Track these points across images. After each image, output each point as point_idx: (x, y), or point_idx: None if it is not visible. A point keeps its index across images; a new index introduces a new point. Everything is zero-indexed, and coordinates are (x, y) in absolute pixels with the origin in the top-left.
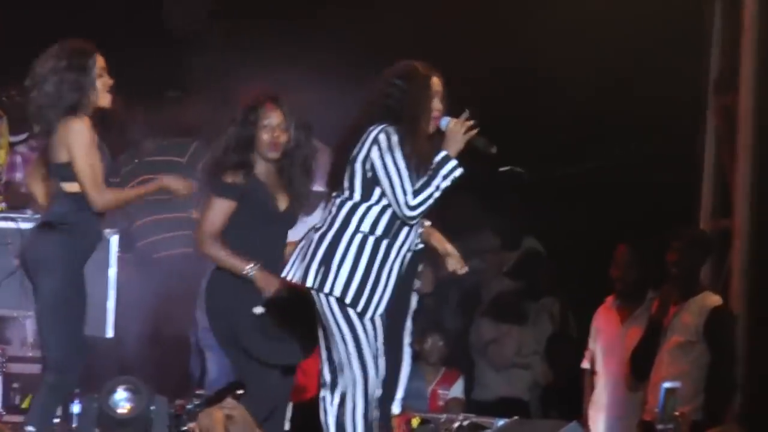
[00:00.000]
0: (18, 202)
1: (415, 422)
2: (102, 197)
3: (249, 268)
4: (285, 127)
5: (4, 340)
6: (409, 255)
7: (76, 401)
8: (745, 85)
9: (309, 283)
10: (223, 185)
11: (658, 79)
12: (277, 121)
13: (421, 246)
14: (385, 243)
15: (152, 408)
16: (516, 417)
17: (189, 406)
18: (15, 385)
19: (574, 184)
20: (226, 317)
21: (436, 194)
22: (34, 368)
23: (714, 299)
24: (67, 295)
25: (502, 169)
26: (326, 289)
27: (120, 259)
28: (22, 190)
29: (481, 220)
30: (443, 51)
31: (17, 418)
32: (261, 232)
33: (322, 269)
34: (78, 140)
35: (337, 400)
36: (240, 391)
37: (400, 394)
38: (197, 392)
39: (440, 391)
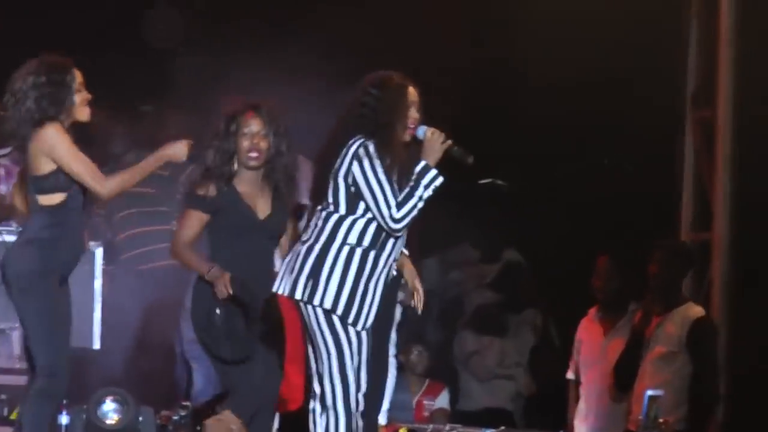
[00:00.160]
0: (2, 214)
1: None
2: (105, 187)
3: (208, 270)
4: (265, 134)
5: None
6: (395, 264)
7: (64, 412)
8: (723, 99)
9: (298, 295)
10: (193, 197)
11: (636, 93)
12: (257, 129)
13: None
14: (372, 254)
15: (140, 419)
16: (503, 427)
17: (175, 417)
18: (2, 397)
19: (555, 196)
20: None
21: (420, 204)
22: (22, 380)
23: (696, 310)
24: (49, 307)
25: (482, 181)
26: (316, 302)
27: (104, 272)
28: (6, 203)
29: (461, 232)
30: (423, 59)
31: (5, 430)
32: (242, 241)
33: (310, 282)
34: (59, 142)
35: (325, 413)
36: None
37: (386, 405)
38: (183, 403)
39: (426, 402)
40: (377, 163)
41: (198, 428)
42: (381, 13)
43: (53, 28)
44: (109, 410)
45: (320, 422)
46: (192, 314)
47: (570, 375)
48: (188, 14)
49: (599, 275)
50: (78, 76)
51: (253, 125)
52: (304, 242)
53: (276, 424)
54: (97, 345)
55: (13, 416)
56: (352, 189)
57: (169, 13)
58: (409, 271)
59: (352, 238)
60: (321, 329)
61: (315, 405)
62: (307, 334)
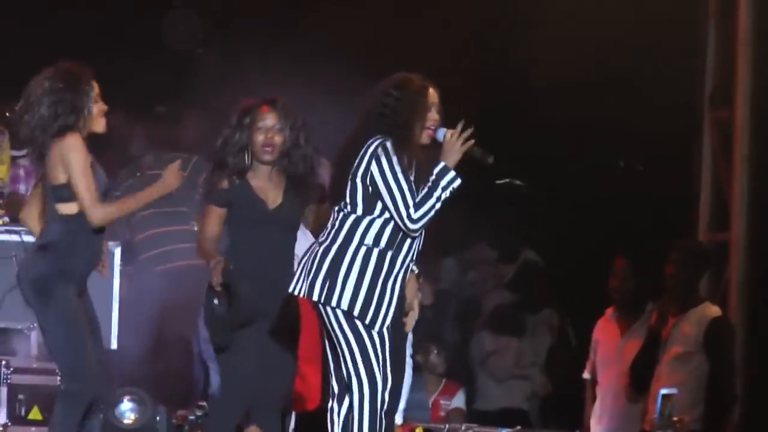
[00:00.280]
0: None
1: None
2: (99, 211)
3: (213, 261)
4: (280, 128)
5: (8, 351)
6: (412, 265)
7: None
8: (740, 99)
9: (315, 297)
10: (210, 193)
11: (654, 94)
12: (272, 123)
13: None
14: (389, 255)
15: (157, 419)
16: (519, 427)
17: (191, 417)
18: (20, 397)
19: (572, 196)
20: None
21: (437, 205)
22: (39, 379)
23: (713, 310)
24: (67, 311)
25: (499, 181)
26: (333, 303)
27: (122, 272)
28: (25, 202)
29: (479, 233)
30: (438, 63)
31: (23, 430)
32: (254, 233)
33: (327, 283)
34: (74, 156)
35: (344, 411)
36: None
37: (402, 405)
38: (200, 403)
39: (442, 402)
40: (396, 162)
41: None
42: (392, 15)
43: (70, 29)
44: (127, 410)
45: (338, 421)
46: (203, 308)
47: (586, 375)
48: (206, 15)
49: (616, 276)
50: (96, 87)
51: (268, 119)
52: (321, 243)
53: (292, 424)
54: (114, 345)
55: (31, 416)
56: (370, 189)
57: (187, 15)
58: (411, 289)
59: (369, 239)
60: (343, 330)
61: (333, 404)
62: (325, 334)
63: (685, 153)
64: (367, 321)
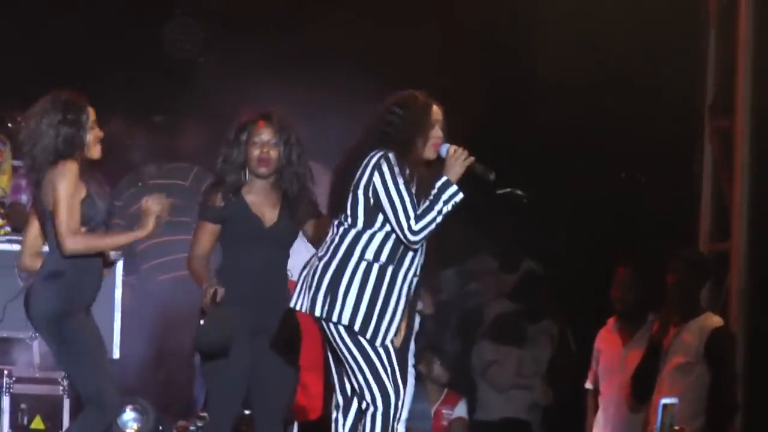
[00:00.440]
0: (23, 224)
1: None
2: (70, 244)
3: (205, 284)
4: (275, 143)
5: (11, 361)
6: (415, 280)
7: None
8: (741, 109)
9: (317, 312)
10: (202, 208)
11: (655, 103)
12: (267, 138)
13: None
14: (390, 270)
15: (160, 428)
16: None
17: (192, 428)
18: (23, 406)
19: (573, 206)
20: None
21: (438, 219)
22: (41, 389)
23: (714, 320)
24: (84, 343)
25: (500, 191)
26: (334, 318)
27: (124, 282)
28: (26, 211)
29: (480, 242)
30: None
31: None
32: (250, 250)
33: (328, 298)
34: (62, 182)
35: (349, 423)
36: (246, 412)
37: (404, 414)
38: (201, 414)
39: (444, 411)
40: (398, 173)
41: None
42: (395, 18)
43: (70, 38)
44: (129, 419)
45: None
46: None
47: (588, 385)
48: (207, 24)
49: (618, 285)
50: (92, 114)
51: (264, 134)
52: (321, 258)
53: None
54: (116, 354)
55: (33, 425)
56: (372, 201)
57: (187, 23)
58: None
59: (369, 254)
60: (347, 346)
61: (338, 416)
62: (328, 348)
63: (685, 162)
64: (368, 336)
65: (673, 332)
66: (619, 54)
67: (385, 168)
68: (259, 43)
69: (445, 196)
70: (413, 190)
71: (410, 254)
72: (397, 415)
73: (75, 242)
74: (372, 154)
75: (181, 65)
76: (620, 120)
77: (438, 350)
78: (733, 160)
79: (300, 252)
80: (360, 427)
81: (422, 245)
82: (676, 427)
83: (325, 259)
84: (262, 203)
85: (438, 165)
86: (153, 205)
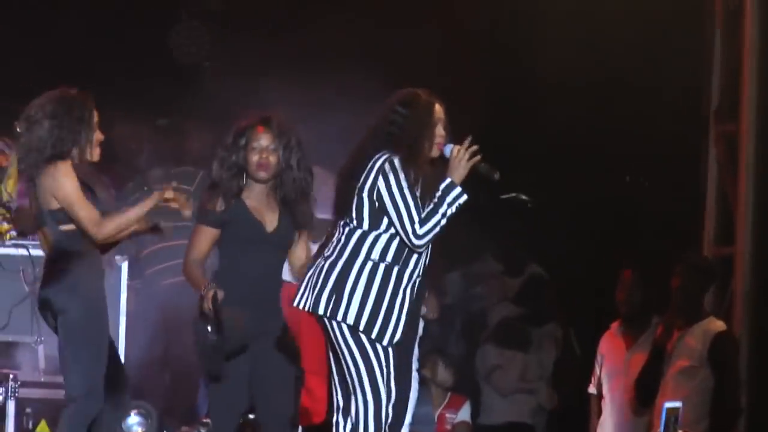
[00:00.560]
0: (29, 229)
1: None
2: (100, 232)
3: (204, 289)
4: (274, 148)
5: (16, 365)
6: (419, 281)
7: None
8: (746, 113)
9: (321, 311)
10: (202, 212)
11: (660, 107)
12: (266, 143)
13: None
14: (395, 270)
15: None
16: None
17: None
18: (27, 410)
19: (578, 210)
20: None
21: (443, 221)
22: (47, 393)
23: (718, 324)
24: (96, 346)
25: (504, 196)
26: (339, 317)
27: (129, 286)
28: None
29: (484, 246)
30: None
31: None
32: (250, 254)
33: (333, 297)
34: (66, 184)
35: (350, 425)
36: (251, 416)
37: (408, 419)
38: (204, 420)
39: (447, 415)
40: (402, 177)
41: None
42: (398, 20)
43: (75, 42)
44: (134, 423)
45: None
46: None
47: (592, 389)
48: (212, 27)
49: (622, 289)
50: (96, 115)
51: (263, 139)
52: (327, 257)
53: None
54: (121, 359)
55: (38, 430)
56: (377, 204)
57: (193, 27)
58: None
59: (375, 254)
60: (348, 344)
61: (338, 418)
62: (330, 349)
63: (691, 166)
64: (374, 335)
65: (676, 336)
66: (623, 56)
67: (389, 172)
68: (264, 45)
69: (449, 199)
70: (417, 192)
71: (415, 255)
72: (389, 419)
73: (104, 232)
74: (377, 157)
75: (187, 69)
76: (625, 123)
77: (442, 354)
78: (738, 164)
79: None
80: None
81: (428, 247)
82: (680, 431)
83: (331, 258)
84: (262, 208)
85: (441, 164)
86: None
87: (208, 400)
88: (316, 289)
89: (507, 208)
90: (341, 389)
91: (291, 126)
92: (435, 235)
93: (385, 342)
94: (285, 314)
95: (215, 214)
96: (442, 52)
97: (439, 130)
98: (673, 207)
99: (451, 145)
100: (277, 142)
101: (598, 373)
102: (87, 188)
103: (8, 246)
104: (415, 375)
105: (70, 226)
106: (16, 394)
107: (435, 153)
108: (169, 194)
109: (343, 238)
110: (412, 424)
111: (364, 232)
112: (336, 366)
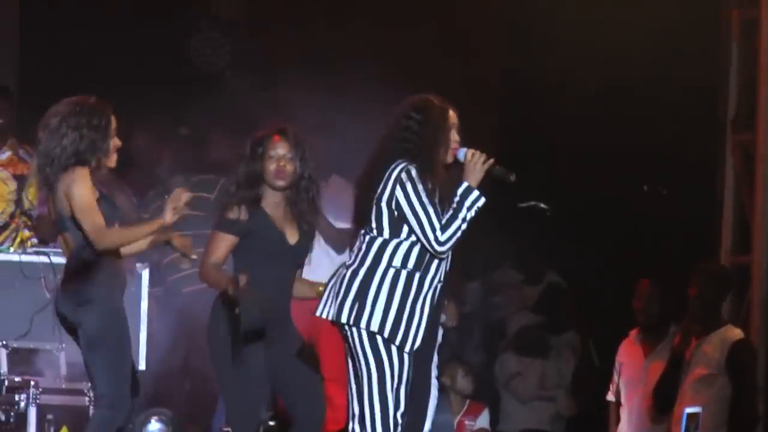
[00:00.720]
0: (50, 236)
1: None
2: (102, 243)
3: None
4: (291, 157)
5: (37, 372)
6: (440, 287)
7: None
8: (762, 124)
9: (344, 319)
10: (223, 220)
11: (677, 117)
12: (283, 152)
13: None
14: (417, 276)
15: None
16: None
17: None
18: (49, 417)
19: (596, 219)
20: None
21: (464, 226)
22: (68, 400)
23: (735, 332)
24: (108, 334)
25: (523, 205)
26: (362, 324)
27: (150, 294)
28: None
29: (504, 255)
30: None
31: None
32: (269, 265)
33: (357, 304)
34: (77, 189)
35: None
36: (271, 423)
37: (428, 426)
38: (225, 429)
39: (467, 422)
40: (420, 186)
41: None
42: (418, 35)
43: (96, 50)
44: (154, 430)
45: None
46: (209, 332)
47: (610, 396)
48: (234, 38)
49: (640, 298)
50: (114, 122)
51: (279, 148)
52: (349, 266)
53: None
54: (142, 366)
55: None
56: (396, 213)
57: (214, 37)
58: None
59: (397, 261)
60: (365, 351)
61: (355, 426)
62: (349, 357)
63: (708, 176)
64: (398, 342)
65: (694, 344)
66: (640, 65)
67: (406, 181)
68: (285, 53)
69: (467, 203)
70: (436, 199)
71: (436, 261)
72: (398, 428)
73: (106, 238)
74: (393, 166)
75: (208, 77)
76: (642, 132)
77: (461, 361)
78: (755, 174)
79: (322, 265)
80: None
81: (449, 253)
82: None
83: (353, 267)
84: (281, 218)
85: (456, 168)
86: (179, 194)
87: (226, 403)
88: (339, 298)
89: (525, 216)
90: (358, 397)
91: (304, 137)
92: (457, 240)
93: (407, 348)
94: (306, 323)
95: (240, 223)
96: (462, 59)
97: (454, 135)
98: (690, 216)
99: (465, 149)
100: (293, 152)
101: (616, 380)
102: (104, 196)
103: (30, 253)
104: (434, 382)
105: None
106: (38, 401)
107: (450, 158)
108: (185, 197)
109: (364, 246)
110: (431, 431)
111: (384, 240)
112: (354, 374)
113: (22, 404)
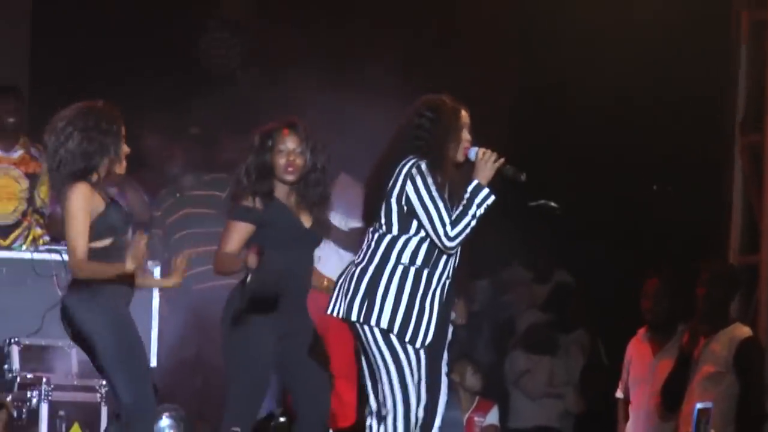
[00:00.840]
0: (61, 234)
1: None
2: (78, 266)
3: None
4: (301, 151)
5: (49, 369)
6: (448, 283)
7: None
8: None
9: (354, 317)
10: (239, 209)
11: (686, 118)
12: (293, 146)
13: None
14: (425, 273)
15: None
16: None
17: None
18: (61, 413)
19: (605, 219)
20: None
21: (473, 223)
22: (79, 396)
23: (744, 330)
24: (121, 346)
25: (532, 203)
26: (372, 321)
27: (161, 291)
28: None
29: (513, 254)
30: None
31: None
32: (288, 252)
33: (366, 302)
34: (72, 204)
35: (383, 429)
36: (282, 419)
37: (437, 422)
38: (233, 429)
39: (476, 419)
40: (430, 181)
41: None
42: (428, 35)
43: (107, 51)
44: (166, 426)
45: None
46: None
47: (619, 394)
48: (243, 37)
49: (649, 297)
50: (123, 128)
51: (289, 142)
52: (358, 264)
53: None
54: (153, 363)
55: None
56: (405, 209)
57: (224, 37)
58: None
59: (405, 258)
60: (380, 349)
61: (372, 422)
62: (362, 354)
63: (716, 177)
64: (407, 339)
65: (702, 342)
66: (649, 67)
67: (416, 176)
68: (296, 52)
69: (477, 200)
70: (445, 195)
71: (444, 257)
72: (419, 422)
73: (81, 267)
74: (404, 162)
75: (219, 77)
76: (651, 133)
77: (470, 359)
78: (763, 174)
79: (331, 260)
80: None
81: (457, 249)
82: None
83: (362, 264)
84: (293, 207)
85: (467, 167)
86: (138, 241)
87: (230, 390)
88: (349, 295)
89: (535, 215)
90: (374, 394)
91: (313, 131)
92: (466, 236)
93: (418, 344)
94: (315, 320)
95: (255, 211)
96: (472, 59)
97: (465, 135)
98: (699, 216)
99: (476, 148)
100: (303, 146)
101: (625, 377)
102: (114, 203)
103: (42, 251)
104: (444, 379)
105: (103, 243)
106: (50, 398)
107: (461, 157)
108: (143, 246)
109: (372, 243)
110: (440, 428)
111: (393, 236)
112: (369, 371)
113: (34, 401)
